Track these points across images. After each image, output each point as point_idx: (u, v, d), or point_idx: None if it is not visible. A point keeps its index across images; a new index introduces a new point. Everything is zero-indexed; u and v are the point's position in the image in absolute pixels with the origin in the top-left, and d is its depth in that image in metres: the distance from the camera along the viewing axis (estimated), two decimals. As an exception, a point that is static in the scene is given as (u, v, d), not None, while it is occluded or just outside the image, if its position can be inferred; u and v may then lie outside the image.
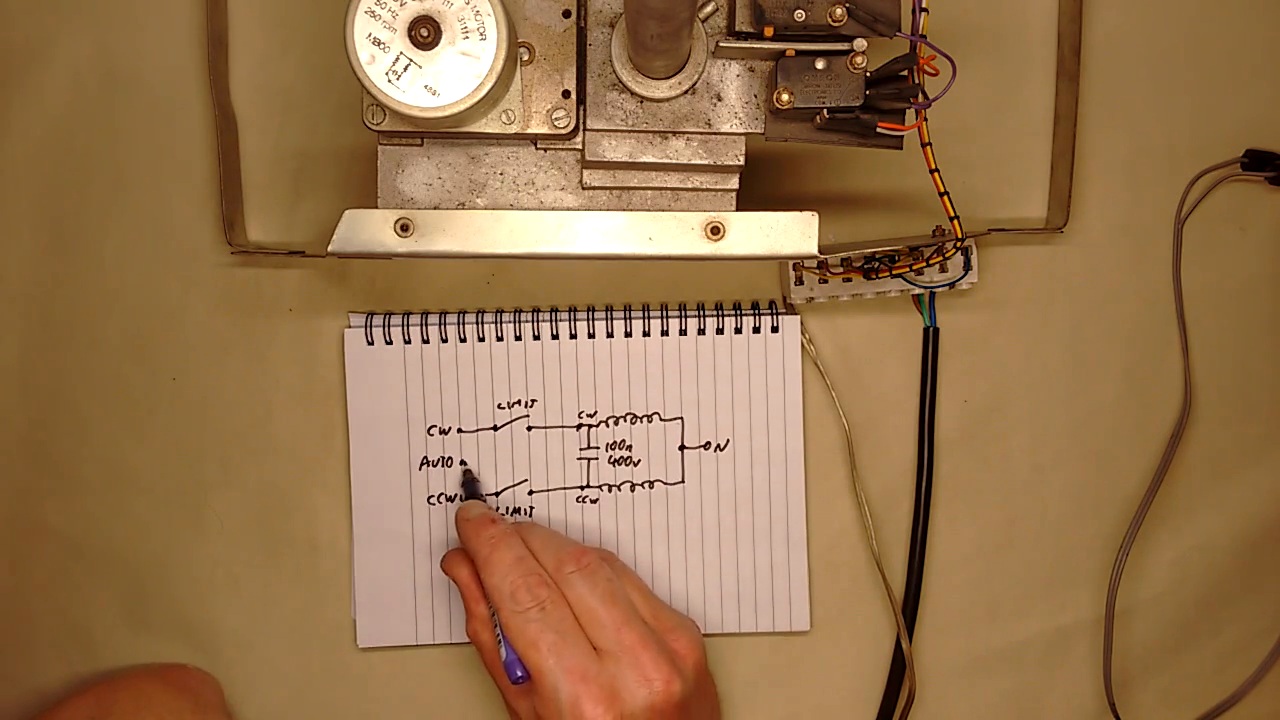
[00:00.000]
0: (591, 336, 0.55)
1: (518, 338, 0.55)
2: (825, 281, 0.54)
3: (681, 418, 0.55)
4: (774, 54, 0.44)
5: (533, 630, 0.46)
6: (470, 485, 0.54)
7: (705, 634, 0.55)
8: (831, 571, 0.56)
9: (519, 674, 0.47)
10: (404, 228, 0.45)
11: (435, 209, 0.46)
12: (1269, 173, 0.56)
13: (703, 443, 0.55)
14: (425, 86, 0.42)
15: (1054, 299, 0.56)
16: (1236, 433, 0.57)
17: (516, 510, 0.55)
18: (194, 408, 0.55)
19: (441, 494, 0.55)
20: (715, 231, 0.45)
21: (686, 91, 0.45)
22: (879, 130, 0.45)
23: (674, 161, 0.46)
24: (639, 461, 0.55)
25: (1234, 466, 0.57)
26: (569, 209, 0.47)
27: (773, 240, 0.45)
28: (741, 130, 0.46)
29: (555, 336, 0.55)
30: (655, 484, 0.55)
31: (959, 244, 0.50)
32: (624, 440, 0.55)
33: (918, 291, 0.54)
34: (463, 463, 0.55)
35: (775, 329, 0.55)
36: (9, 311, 0.54)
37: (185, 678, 0.54)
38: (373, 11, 0.41)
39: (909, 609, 0.56)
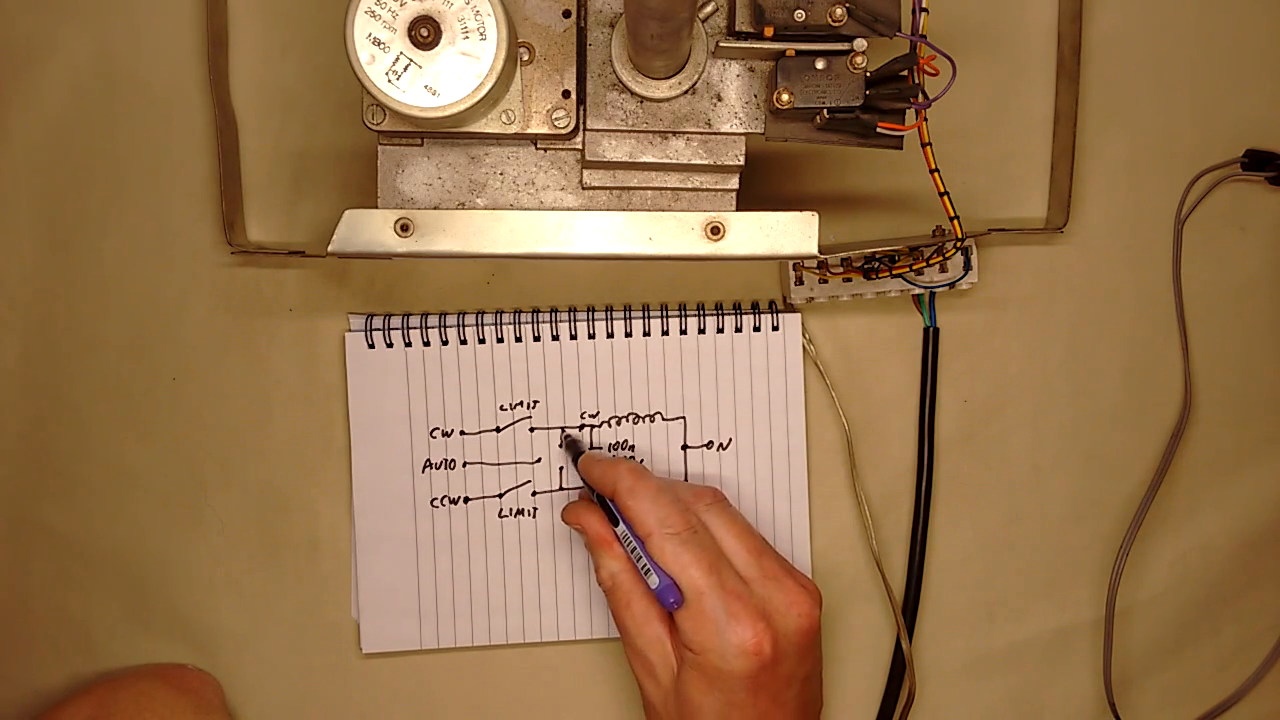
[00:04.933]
0: (592, 337, 0.55)
1: (518, 339, 0.55)
2: (825, 281, 0.54)
3: (684, 417, 0.55)
4: (774, 54, 0.44)
5: (692, 551, 0.47)
6: (574, 446, 0.54)
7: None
8: (832, 571, 0.56)
9: (672, 600, 0.47)
10: (404, 228, 0.45)
11: (435, 209, 0.46)
12: (1269, 173, 0.56)
13: (705, 442, 0.55)
14: (425, 86, 0.42)
15: (1054, 299, 0.56)
16: (1236, 433, 0.57)
17: (520, 512, 0.55)
18: (194, 408, 0.55)
19: (445, 496, 0.55)
20: (715, 231, 0.45)
21: (686, 91, 0.45)
22: (879, 130, 0.45)
23: (674, 161, 0.46)
24: (642, 461, 0.55)
25: (1234, 466, 0.57)
26: (569, 209, 0.47)
27: (773, 240, 0.45)
28: (741, 130, 0.46)
29: (556, 337, 0.55)
30: (656, 484, 0.55)
31: (959, 244, 0.50)
32: (627, 440, 0.55)
33: (918, 291, 0.54)
34: (562, 428, 0.55)
35: (776, 328, 0.55)
36: (9, 312, 0.54)
37: (186, 678, 0.54)
38: (373, 11, 0.41)
39: (909, 609, 0.56)
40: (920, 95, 0.44)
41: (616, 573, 0.49)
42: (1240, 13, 0.56)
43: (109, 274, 0.54)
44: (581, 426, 0.55)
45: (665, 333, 0.55)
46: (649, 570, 0.47)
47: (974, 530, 0.57)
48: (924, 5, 0.44)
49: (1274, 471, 0.57)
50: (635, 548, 0.48)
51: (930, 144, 0.46)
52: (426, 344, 0.54)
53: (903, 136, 0.45)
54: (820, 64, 0.44)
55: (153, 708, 0.51)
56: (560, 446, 0.55)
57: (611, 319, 0.55)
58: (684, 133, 0.46)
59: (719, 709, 0.46)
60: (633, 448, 0.55)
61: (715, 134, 0.46)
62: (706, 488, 0.51)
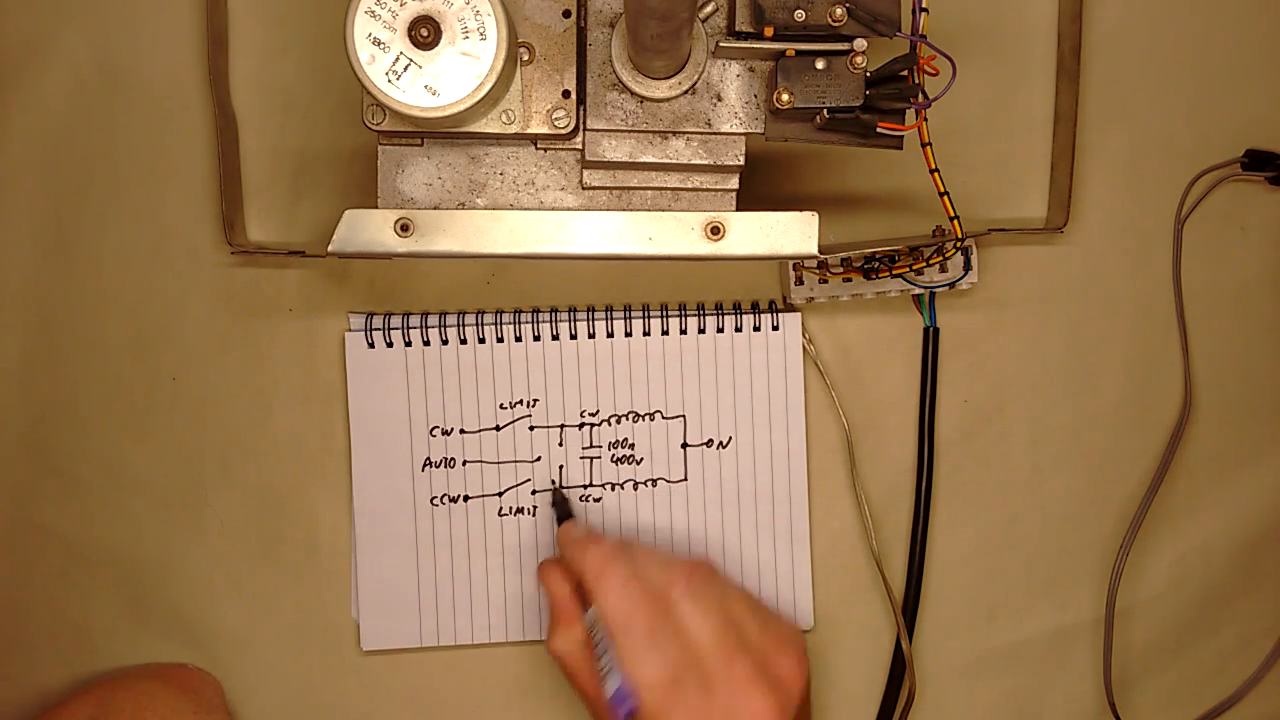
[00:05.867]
0: (592, 336, 0.55)
1: (518, 338, 0.55)
2: (825, 281, 0.54)
3: (684, 416, 0.55)
4: (774, 54, 0.44)
5: (652, 668, 0.44)
6: (562, 505, 0.54)
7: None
8: (832, 571, 0.56)
9: (625, 712, 0.45)
10: (404, 228, 0.45)
11: (435, 209, 0.46)
12: (1269, 173, 0.56)
13: (705, 440, 0.55)
14: (425, 86, 0.42)
15: (1054, 299, 0.56)
16: (1236, 433, 0.57)
17: (520, 511, 0.55)
18: (194, 408, 0.55)
19: (445, 495, 0.55)
20: (715, 231, 0.45)
21: (686, 91, 0.45)
22: (879, 130, 0.45)
23: (674, 161, 0.46)
24: (641, 460, 0.55)
25: (1234, 466, 0.57)
26: (569, 209, 0.47)
27: (773, 240, 0.45)
28: (741, 130, 0.46)
29: (556, 337, 0.55)
30: (658, 482, 0.55)
31: (959, 244, 0.50)
32: (626, 439, 0.55)
33: (918, 291, 0.54)
34: (552, 482, 0.55)
35: (776, 327, 0.55)
36: (9, 312, 0.54)
37: (186, 677, 0.54)
38: (373, 11, 0.41)
39: (909, 609, 0.56)
40: (920, 95, 0.44)
41: (569, 652, 0.48)
42: (1240, 13, 0.56)
43: (109, 274, 0.54)
44: (581, 425, 0.55)
45: (665, 332, 0.55)
46: (609, 670, 0.46)
47: (974, 530, 0.57)
48: (924, 5, 0.44)
49: (1274, 471, 0.57)
50: (601, 640, 0.46)
51: (930, 144, 0.46)
52: (426, 344, 0.54)
53: (903, 136, 0.45)
54: (820, 64, 0.44)
55: (153, 707, 0.51)
56: (551, 505, 0.55)
57: (611, 319, 0.55)
58: (684, 133, 0.46)
59: None
60: (633, 446, 0.55)
61: (715, 134, 0.46)
62: (688, 564, 0.48)
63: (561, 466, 0.55)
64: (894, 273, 0.53)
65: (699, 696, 0.45)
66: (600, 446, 0.55)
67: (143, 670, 0.54)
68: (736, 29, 0.44)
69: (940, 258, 0.52)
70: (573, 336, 0.55)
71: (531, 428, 0.55)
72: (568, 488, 0.55)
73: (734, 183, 0.47)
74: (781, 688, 0.46)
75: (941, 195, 0.48)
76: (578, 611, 0.48)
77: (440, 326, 0.54)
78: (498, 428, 0.55)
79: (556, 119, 0.45)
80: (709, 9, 0.45)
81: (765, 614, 0.49)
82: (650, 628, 0.45)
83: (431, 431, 0.55)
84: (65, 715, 0.50)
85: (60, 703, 0.51)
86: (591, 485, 0.55)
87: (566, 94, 0.45)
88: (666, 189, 0.47)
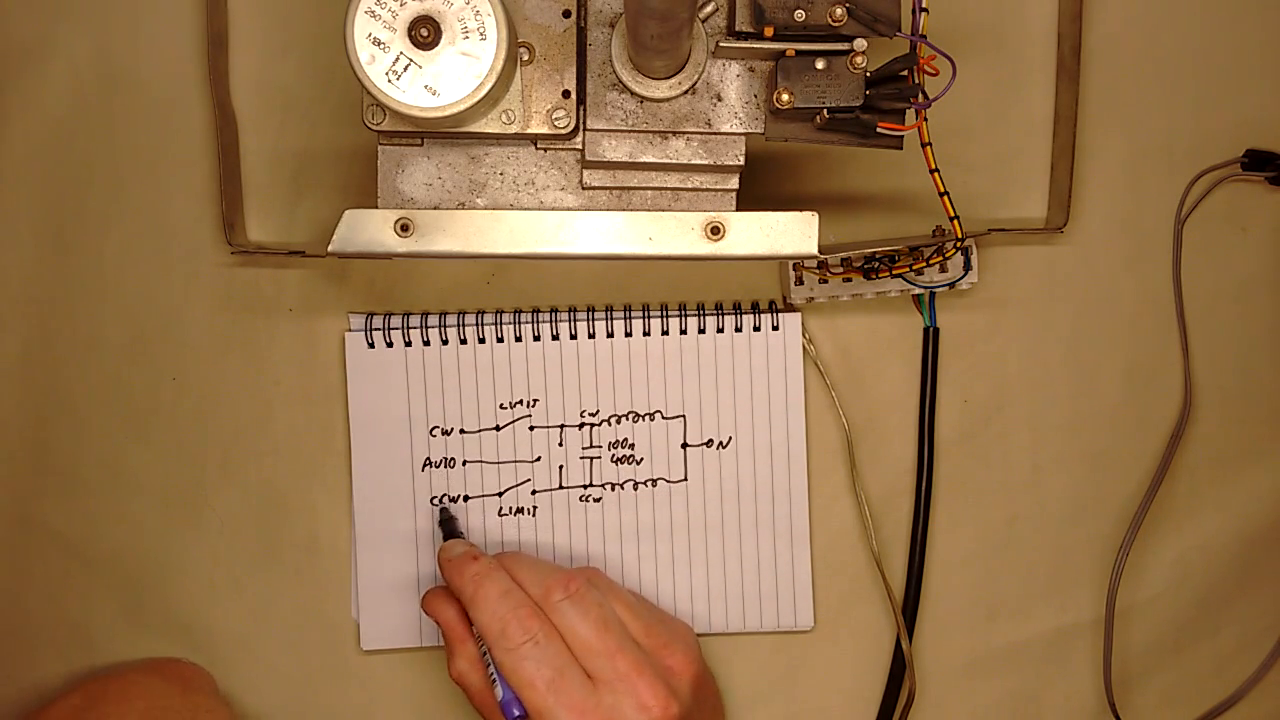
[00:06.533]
0: (592, 336, 0.55)
1: (518, 338, 0.55)
2: (825, 281, 0.54)
3: (684, 416, 0.55)
4: (774, 54, 0.44)
5: (529, 668, 0.46)
6: (449, 524, 0.54)
7: (708, 634, 0.55)
8: (831, 571, 0.56)
9: (516, 714, 0.47)
10: (404, 228, 0.45)
11: (435, 209, 0.46)
12: (1269, 173, 0.56)
13: (705, 440, 0.55)
14: (425, 86, 0.42)
15: (1054, 299, 0.56)
16: (1236, 433, 0.57)
17: (520, 511, 0.55)
18: (194, 408, 0.55)
19: (445, 494, 0.55)
20: (715, 231, 0.45)
21: (686, 91, 0.45)
22: (879, 130, 0.45)
23: (674, 161, 0.46)
24: (641, 460, 0.55)
25: (1234, 466, 0.57)
26: (569, 209, 0.47)
27: (773, 240, 0.45)
28: (741, 130, 0.46)
29: (556, 337, 0.55)
30: (658, 482, 0.55)
31: (959, 244, 0.50)
32: (626, 439, 0.55)
33: (918, 291, 0.54)
34: (439, 501, 0.55)
35: (776, 327, 0.55)
36: (9, 312, 0.54)
37: (176, 668, 0.54)
38: (373, 11, 0.41)
39: (909, 609, 0.56)
40: (920, 95, 0.44)
41: (466, 672, 0.49)
42: (1240, 13, 0.56)
43: (109, 274, 0.54)
44: (581, 425, 0.55)
45: (665, 332, 0.55)
46: (496, 680, 0.47)
47: (974, 530, 0.57)
48: (924, 5, 0.44)
49: (1274, 471, 0.57)
50: (487, 652, 0.48)
51: (930, 144, 0.46)
52: (426, 344, 0.54)
53: (903, 136, 0.45)
54: (820, 64, 0.44)
55: (141, 694, 0.51)
56: (438, 524, 0.54)
57: (611, 319, 0.55)
58: (684, 133, 0.46)
59: None
60: (633, 446, 0.55)
61: (715, 134, 0.46)
62: (576, 571, 0.49)
63: (561, 466, 0.55)
64: (894, 273, 0.53)
65: (583, 692, 0.46)
66: (600, 446, 0.55)
67: (132, 663, 0.54)
68: (736, 29, 0.44)
69: (940, 258, 0.52)
70: (573, 336, 0.55)
71: (531, 428, 0.55)
72: (569, 488, 0.55)
73: (734, 183, 0.47)
74: (669, 677, 0.47)
75: (941, 195, 0.48)
76: (468, 631, 0.49)
77: (440, 326, 0.54)
78: (498, 428, 0.55)
79: (556, 119, 0.45)
80: (709, 9, 0.45)
81: (652, 614, 0.51)
82: (526, 630, 0.46)
83: (431, 431, 0.55)
84: (55, 710, 0.50)
85: (51, 701, 0.51)
86: (591, 485, 0.55)
87: (566, 94, 0.45)
88: (666, 189, 0.47)
